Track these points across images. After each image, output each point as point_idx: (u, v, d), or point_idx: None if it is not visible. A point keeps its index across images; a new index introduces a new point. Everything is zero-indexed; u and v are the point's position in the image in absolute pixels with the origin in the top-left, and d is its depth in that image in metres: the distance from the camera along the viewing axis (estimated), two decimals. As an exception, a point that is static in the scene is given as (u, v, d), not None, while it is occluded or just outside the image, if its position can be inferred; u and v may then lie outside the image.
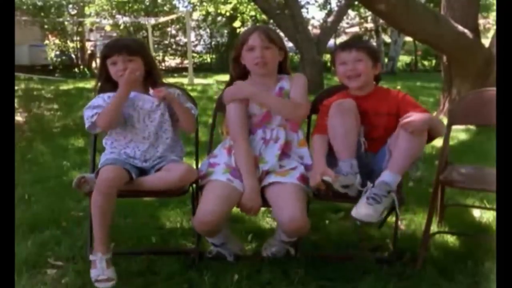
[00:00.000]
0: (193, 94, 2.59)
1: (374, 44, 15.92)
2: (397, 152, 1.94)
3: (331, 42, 14.53)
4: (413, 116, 1.93)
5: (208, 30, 19.59)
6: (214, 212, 1.92)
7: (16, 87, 9.64)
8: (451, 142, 2.72)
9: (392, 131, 2.06)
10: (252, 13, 15.58)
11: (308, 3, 18.76)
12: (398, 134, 1.95)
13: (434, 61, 18.19)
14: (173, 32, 19.27)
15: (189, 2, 16.95)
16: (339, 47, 2.23)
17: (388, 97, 2.19)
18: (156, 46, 17.35)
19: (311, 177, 2.01)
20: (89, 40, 19.55)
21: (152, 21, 16.37)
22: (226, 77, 2.40)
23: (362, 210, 1.88)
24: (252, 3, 13.32)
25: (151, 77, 2.24)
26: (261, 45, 2.09)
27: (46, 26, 17.16)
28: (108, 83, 2.20)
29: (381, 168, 1.99)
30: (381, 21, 15.36)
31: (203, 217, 1.92)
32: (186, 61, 16.05)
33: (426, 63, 19.33)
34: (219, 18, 18.29)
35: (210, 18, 18.32)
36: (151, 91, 2.17)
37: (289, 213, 1.89)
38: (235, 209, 2.71)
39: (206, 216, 1.91)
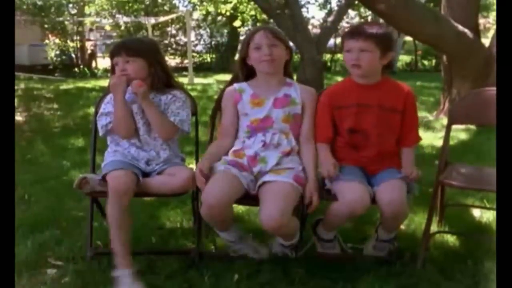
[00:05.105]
0: (193, 93, 2.59)
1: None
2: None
3: (331, 42, 14.50)
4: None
5: (208, 29, 19.57)
6: (220, 195, 1.89)
7: (16, 87, 9.64)
8: (451, 142, 2.72)
9: (396, 128, 2.08)
10: (252, 12, 15.55)
11: (308, 2, 18.68)
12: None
13: (434, 61, 18.17)
14: (173, 31, 19.25)
15: (189, 2, 16.94)
16: (348, 32, 2.08)
17: (395, 91, 2.10)
18: (156, 45, 17.32)
19: (324, 167, 2.05)
20: (89, 40, 19.54)
21: (152, 20, 16.35)
22: (226, 77, 2.41)
23: None
24: (252, 3, 13.30)
25: (157, 78, 2.18)
26: (268, 43, 2.07)
27: (46, 26, 17.14)
28: None
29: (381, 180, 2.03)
30: (381, 20, 15.36)
31: (211, 200, 1.88)
32: (186, 61, 16.03)
33: (426, 63, 19.30)
34: (219, 18, 18.27)
35: (210, 17, 18.31)
36: (132, 83, 2.11)
37: (268, 212, 1.86)
38: (235, 209, 2.72)
39: (214, 198, 1.88)
